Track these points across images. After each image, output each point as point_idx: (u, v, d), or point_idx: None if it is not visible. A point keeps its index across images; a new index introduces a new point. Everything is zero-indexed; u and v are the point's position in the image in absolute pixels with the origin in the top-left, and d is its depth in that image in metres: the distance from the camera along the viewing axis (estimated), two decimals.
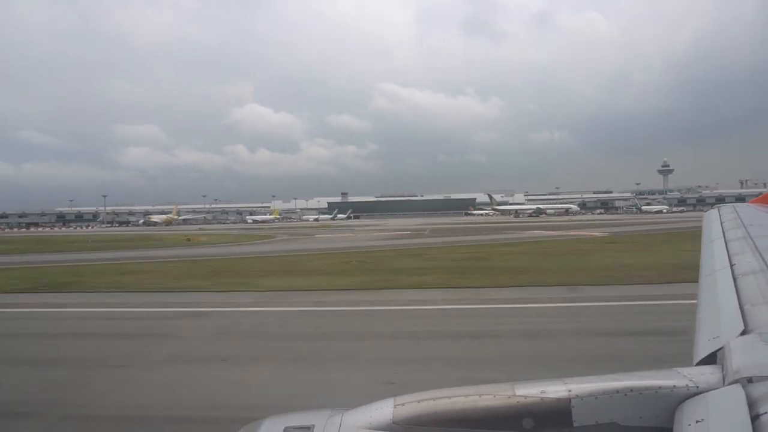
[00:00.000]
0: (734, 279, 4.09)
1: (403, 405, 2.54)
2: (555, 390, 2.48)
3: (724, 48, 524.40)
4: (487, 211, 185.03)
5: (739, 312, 3.22)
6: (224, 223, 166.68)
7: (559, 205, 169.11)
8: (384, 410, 2.54)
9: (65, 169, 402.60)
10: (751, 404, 2.00)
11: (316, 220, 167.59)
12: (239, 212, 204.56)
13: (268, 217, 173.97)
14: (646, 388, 2.42)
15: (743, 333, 2.86)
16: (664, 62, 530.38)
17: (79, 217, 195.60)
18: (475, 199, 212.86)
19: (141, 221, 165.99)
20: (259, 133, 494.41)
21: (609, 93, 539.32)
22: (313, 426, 2.53)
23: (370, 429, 2.50)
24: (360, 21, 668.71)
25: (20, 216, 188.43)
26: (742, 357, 2.45)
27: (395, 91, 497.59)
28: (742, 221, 7.61)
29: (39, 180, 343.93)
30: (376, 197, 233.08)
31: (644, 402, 2.38)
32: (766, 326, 2.88)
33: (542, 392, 2.48)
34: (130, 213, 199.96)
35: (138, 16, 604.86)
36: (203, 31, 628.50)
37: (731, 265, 4.59)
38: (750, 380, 2.17)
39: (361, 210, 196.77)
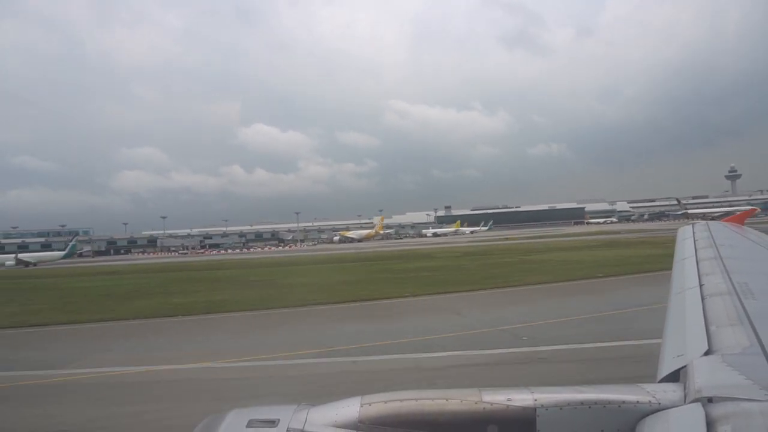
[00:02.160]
0: (702, 299, 4.25)
1: (369, 404, 2.58)
2: (521, 398, 2.55)
3: (712, 59, 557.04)
4: (605, 220, 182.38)
5: (705, 332, 3.36)
6: (402, 238, 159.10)
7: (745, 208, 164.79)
8: (350, 408, 2.57)
9: (60, 195, 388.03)
10: (710, 423, 2.08)
11: (473, 233, 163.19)
12: (401, 226, 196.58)
13: (449, 229, 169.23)
14: (610, 402, 2.50)
15: (707, 353, 2.98)
16: (651, 76, 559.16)
17: (275, 236, 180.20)
18: (583, 208, 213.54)
19: (336, 238, 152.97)
20: (266, 153, 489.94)
21: (601, 106, 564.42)
22: (278, 420, 2.52)
23: (335, 426, 2.51)
24: (362, 40, 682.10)
25: (205, 237, 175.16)
26: (704, 377, 2.55)
27: (401, 107, 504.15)
28: (714, 240, 7.79)
29: (38, 205, 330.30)
30: (472, 210, 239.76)
31: (607, 415, 2.47)
32: (729, 348, 3.02)
33: (508, 400, 2.54)
34: (306, 230, 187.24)
35: (128, 38, 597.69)
36: (201, 53, 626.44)
37: (700, 285, 4.76)
38: (710, 400, 2.27)
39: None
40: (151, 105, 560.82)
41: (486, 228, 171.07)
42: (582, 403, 2.50)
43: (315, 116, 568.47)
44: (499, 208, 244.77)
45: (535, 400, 2.53)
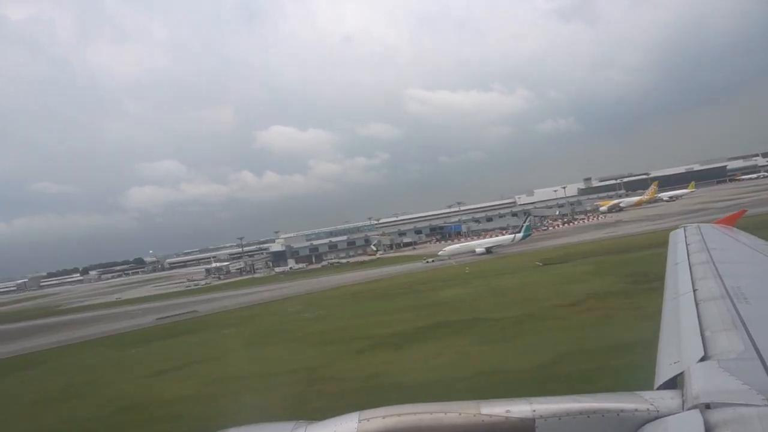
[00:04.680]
0: (696, 304, 4.42)
1: (368, 420, 2.66)
2: (519, 410, 2.65)
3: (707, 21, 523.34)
4: (758, 175, 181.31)
5: (700, 338, 3.51)
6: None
7: None
8: (349, 424, 2.66)
9: (72, 217, 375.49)
10: (708, 430, 2.18)
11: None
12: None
13: (684, 191, 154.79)
14: (609, 411, 2.59)
15: (703, 359, 3.09)
16: (649, 44, 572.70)
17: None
18: (725, 166, 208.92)
19: (602, 208, 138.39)
20: (284, 154, 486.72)
21: (595, 76, 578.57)
22: None
23: None
24: (374, 33, 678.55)
25: (349, 243, 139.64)
26: (701, 383, 2.66)
27: (421, 94, 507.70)
28: (706, 244, 7.99)
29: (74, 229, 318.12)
30: (601, 181, 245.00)
31: (606, 424, 2.56)
32: (725, 353, 3.14)
33: (507, 411, 2.64)
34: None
35: (136, 55, 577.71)
36: (207, 63, 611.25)
37: (694, 290, 4.91)
38: (708, 406, 2.37)
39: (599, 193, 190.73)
40: (166, 119, 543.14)
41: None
42: (580, 412, 2.63)
43: (335, 112, 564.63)
44: (625, 177, 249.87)
45: (534, 411, 2.67)
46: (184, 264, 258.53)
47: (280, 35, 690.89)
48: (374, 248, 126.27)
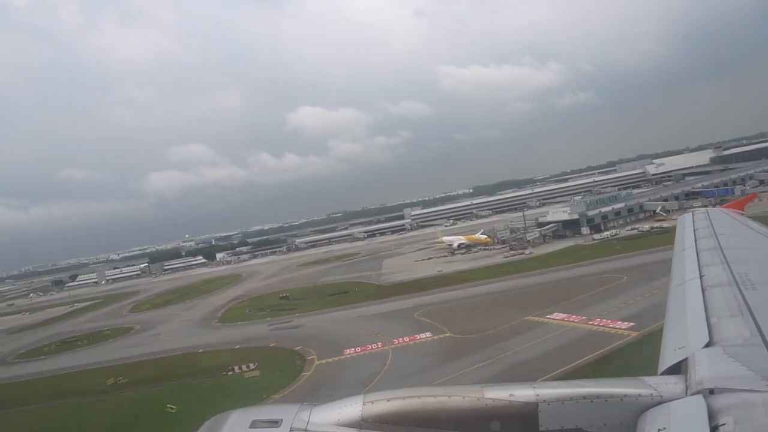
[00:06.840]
0: (703, 291, 4.36)
1: (372, 403, 2.70)
2: (523, 394, 2.68)
3: None
4: None
5: (705, 324, 3.47)
6: None
7: None
8: (353, 407, 2.69)
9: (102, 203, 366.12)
10: (712, 415, 2.17)
11: None
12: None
13: None
14: (612, 396, 2.60)
15: (708, 345, 3.09)
16: (664, 14, 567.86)
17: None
18: None
19: None
20: (313, 135, 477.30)
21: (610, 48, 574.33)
22: (281, 420, 2.60)
23: (338, 425, 2.59)
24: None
25: (628, 210, 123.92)
26: (705, 369, 2.66)
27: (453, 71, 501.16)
28: (714, 230, 7.91)
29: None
30: (725, 151, 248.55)
31: (609, 409, 2.57)
32: (730, 340, 3.13)
33: (510, 396, 2.66)
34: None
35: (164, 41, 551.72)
36: (231, 45, 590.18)
37: (701, 276, 4.85)
38: (712, 392, 2.38)
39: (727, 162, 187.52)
40: (194, 103, 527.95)
41: None
42: (584, 397, 2.64)
43: (366, 91, 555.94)
44: (744, 145, 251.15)
45: (537, 395, 2.70)
46: (314, 244, 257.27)
47: (309, 16, 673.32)
48: (663, 213, 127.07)
